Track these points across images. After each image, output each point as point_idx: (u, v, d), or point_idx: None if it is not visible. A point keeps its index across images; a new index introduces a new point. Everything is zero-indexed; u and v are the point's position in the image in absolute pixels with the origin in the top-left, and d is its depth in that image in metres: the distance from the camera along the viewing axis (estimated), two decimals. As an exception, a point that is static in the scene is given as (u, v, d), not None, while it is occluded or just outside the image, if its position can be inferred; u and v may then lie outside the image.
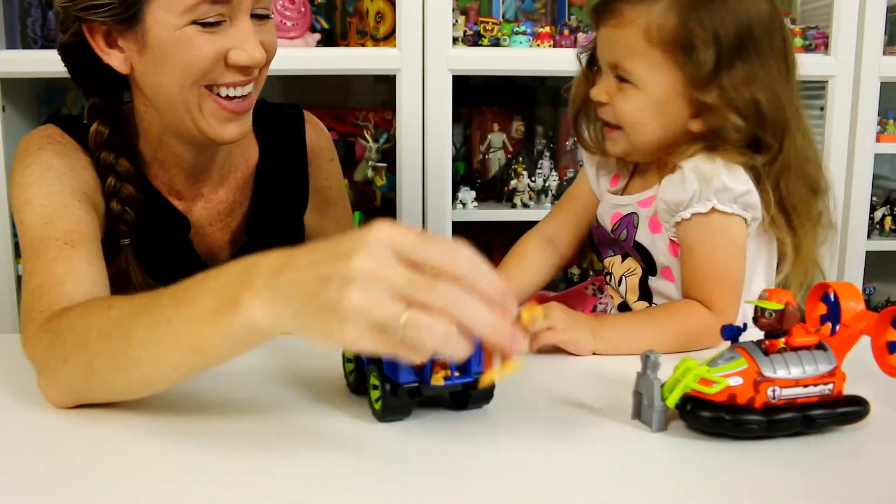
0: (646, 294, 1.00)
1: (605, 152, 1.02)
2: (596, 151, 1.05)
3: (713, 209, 0.89)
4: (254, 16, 0.85)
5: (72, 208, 0.85)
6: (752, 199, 0.90)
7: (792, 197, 0.93)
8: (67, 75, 0.95)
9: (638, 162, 1.02)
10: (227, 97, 0.87)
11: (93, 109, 0.91)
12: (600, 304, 1.10)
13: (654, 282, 0.99)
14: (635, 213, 0.99)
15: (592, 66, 1.02)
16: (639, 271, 1.00)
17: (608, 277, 1.06)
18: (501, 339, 0.55)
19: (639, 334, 0.87)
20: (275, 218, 1.06)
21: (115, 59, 0.86)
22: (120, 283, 0.89)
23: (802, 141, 0.94)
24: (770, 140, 0.90)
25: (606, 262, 1.05)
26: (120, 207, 0.90)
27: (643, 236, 0.98)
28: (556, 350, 0.84)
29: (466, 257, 0.55)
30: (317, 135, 1.12)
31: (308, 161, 1.10)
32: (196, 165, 0.97)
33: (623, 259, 1.02)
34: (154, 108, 0.90)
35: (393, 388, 0.65)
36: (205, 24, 0.81)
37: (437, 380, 0.64)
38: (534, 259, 1.09)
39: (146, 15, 0.82)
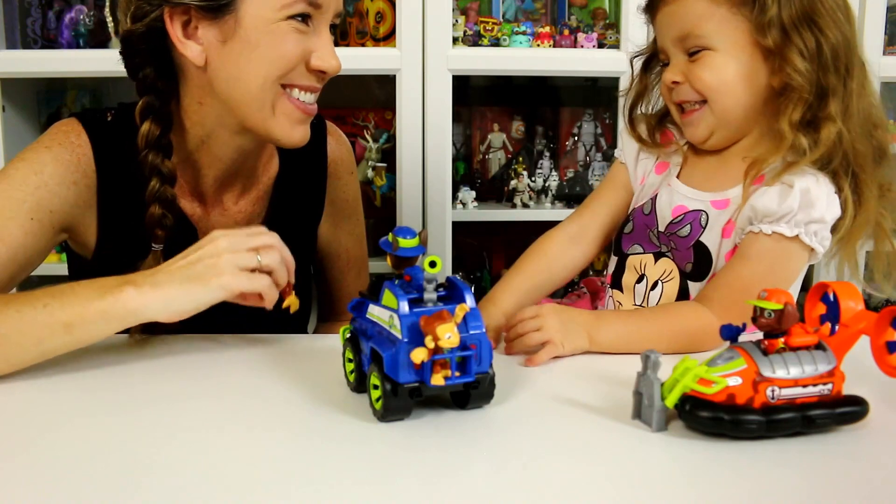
0: (684, 297, 0.95)
1: (661, 144, 1.01)
2: (653, 147, 1.02)
3: (797, 237, 0.87)
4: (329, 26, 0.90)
5: (13, 225, 0.86)
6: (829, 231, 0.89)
7: (857, 155, 0.90)
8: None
9: (715, 149, 0.97)
10: (299, 100, 0.89)
11: (147, 108, 0.90)
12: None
13: (694, 287, 0.94)
14: (705, 211, 0.94)
15: (648, 68, 1.02)
16: (676, 275, 0.96)
17: (617, 276, 1.01)
18: (291, 266, 0.81)
19: (636, 334, 0.85)
20: (289, 228, 1.03)
21: (190, 50, 0.87)
22: None
23: (870, 99, 0.94)
24: (834, 82, 0.88)
25: (632, 260, 1.00)
26: (160, 212, 0.90)
27: (710, 238, 0.93)
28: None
29: (272, 237, 0.81)
30: (339, 147, 1.12)
31: (328, 173, 1.10)
32: (230, 169, 0.98)
33: (657, 259, 0.98)
34: (221, 103, 0.90)
35: (393, 387, 0.65)
36: (299, 19, 0.86)
37: (438, 380, 0.64)
38: (554, 257, 1.04)
39: (240, 5, 0.84)
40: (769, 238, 0.88)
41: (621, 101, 1.08)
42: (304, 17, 0.86)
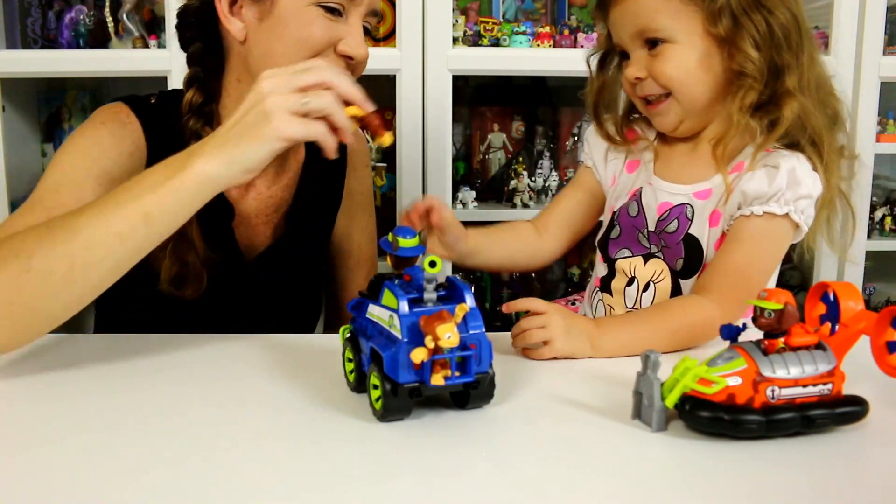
0: (677, 294, 0.96)
1: (630, 141, 1.02)
2: (623, 144, 1.03)
3: (787, 214, 0.89)
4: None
5: (84, 190, 0.89)
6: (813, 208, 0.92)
7: (817, 125, 0.92)
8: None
9: (685, 136, 0.99)
10: None
11: (192, 77, 0.97)
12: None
13: (686, 285, 0.95)
14: (689, 204, 0.96)
15: (604, 65, 1.03)
16: (667, 275, 0.96)
17: (606, 281, 1.01)
18: (357, 98, 0.77)
19: (638, 339, 0.85)
20: (312, 216, 1.10)
21: (234, 26, 0.93)
22: (178, 247, 0.92)
23: (819, 68, 0.96)
24: (788, 58, 0.91)
25: (621, 263, 1.00)
26: None
27: (699, 229, 0.94)
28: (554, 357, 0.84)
29: (329, 69, 0.76)
30: (357, 139, 1.17)
31: (347, 163, 1.15)
32: None
33: (646, 261, 0.98)
34: (255, 78, 0.93)
35: (393, 387, 0.65)
36: (327, 9, 0.91)
37: (438, 379, 0.64)
38: (516, 229, 1.09)
39: None
40: (760, 219, 0.90)
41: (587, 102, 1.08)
42: (334, 11, 0.91)
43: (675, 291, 0.96)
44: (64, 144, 0.95)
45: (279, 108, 0.73)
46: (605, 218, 1.06)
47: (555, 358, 0.83)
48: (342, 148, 1.13)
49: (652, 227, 0.98)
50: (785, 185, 0.89)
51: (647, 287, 0.98)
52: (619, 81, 1.02)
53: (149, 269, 0.91)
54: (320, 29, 0.91)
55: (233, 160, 0.74)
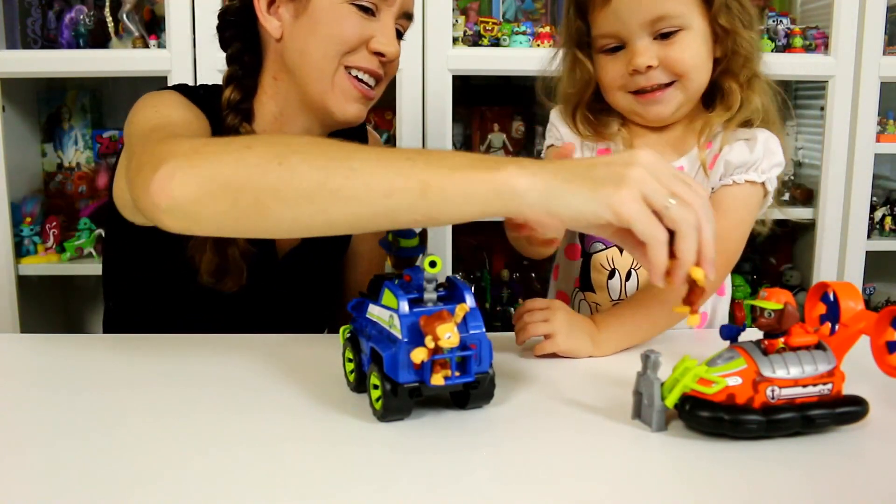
0: None
1: (603, 135, 1.00)
2: (601, 139, 1.01)
3: (763, 183, 0.95)
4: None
5: (193, 125, 0.90)
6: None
7: (770, 106, 0.97)
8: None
9: (668, 123, 0.99)
10: (359, 79, 0.96)
11: (231, 76, 0.99)
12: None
13: None
14: None
15: (578, 58, 0.98)
16: None
17: (585, 279, 1.00)
18: (708, 256, 0.63)
19: (637, 330, 0.86)
20: None
21: (271, 24, 0.96)
22: (223, 239, 0.92)
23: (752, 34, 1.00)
24: (755, 38, 0.96)
25: (597, 257, 1.00)
26: None
27: None
28: (554, 353, 0.84)
29: (703, 199, 0.64)
30: (369, 137, 1.18)
31: None
32: None
33: (622, 250, 0.98)
34: (291, 75, 0.97)
35: (393, 387, 0.65)
36: (360, 8, 0.93)
37: (438, 379, 0.64)
38: None
39: None
40: (741, 187, 0.95)
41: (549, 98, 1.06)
42: (367, 10, 0.94)
43: None
44: (139, 110, 0.90)
45: (638, 183, 0.62)
46: None
47: (554, 354, 0.83)
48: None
49: None
50: (762, 155, 0.94)
51: (629, 276, 0.98)
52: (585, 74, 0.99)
53: (186, 265, 0.92)
54: (353, 26, 0.93)
55: (550, 193, 0.62)
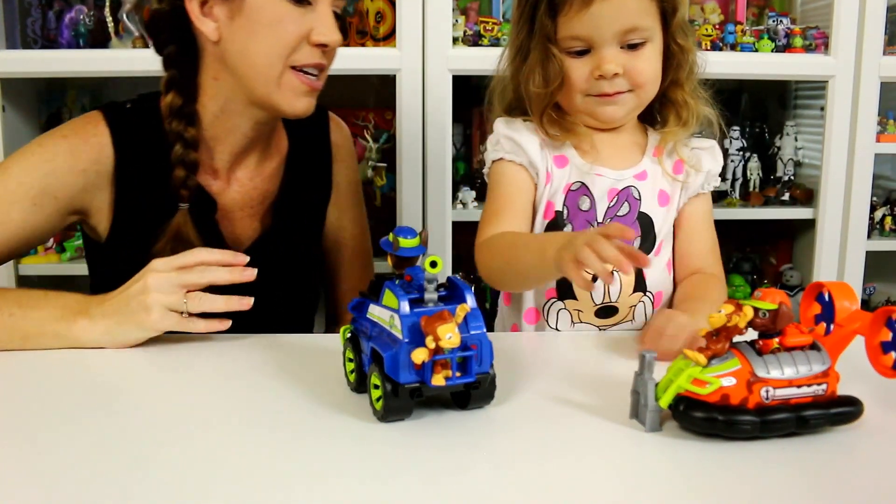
0: (640, 284, 0.99)
1: (572, 133, 0.99)
2: (561, 137, 0.99)
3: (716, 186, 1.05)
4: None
5: (14, 210, 0.93)
6: None
7: (708, 113, 1.03)
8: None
9: (615, 126, 1.01)
10: (305, 73, 0.94)
11: (170, 81, 0.98)
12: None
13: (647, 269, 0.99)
14: (633, 186, 1.00)
15: (547, 59, 0.96)
16: None
17: (564, 287, 0.98)
18: (233, 305, 0.88)
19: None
20: (300, 207, 1.10)
21: (207, 26, 0.94)
22: (177, 247, 0.94)
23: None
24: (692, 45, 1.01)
25: None
26: (184, 173, 0.97)
27: (649, 206, 1.00)
28: (554, 351, 0.84)
29: (202, 252, 0.88)
30: (340, 132, 1.18)
31: (332, 156, 1.15)
32: (242, 143, 1.02)
33: None
34: (232, 75, 0.96)
35: (394, 388, 0.66)
36: (295, 1, 0.91)
37: (438, 380, 0.64)
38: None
39: None
40: (709, 194, 1.06)
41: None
42: (302, 1, 0.92)
43: (638, 273, 0.99)
44: (23, 149, 0.97)
45: (158, 304, 0.84)
46: (544, 217, 1.01)
47: (558, 351, 0.85)
48: (326, 140, 1.15)
49: (601, 219, 0.99)
50: (721, 163, 1.05)
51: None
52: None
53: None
54: (292, 23, 0.92)
55: (113, 335, 0.86)
